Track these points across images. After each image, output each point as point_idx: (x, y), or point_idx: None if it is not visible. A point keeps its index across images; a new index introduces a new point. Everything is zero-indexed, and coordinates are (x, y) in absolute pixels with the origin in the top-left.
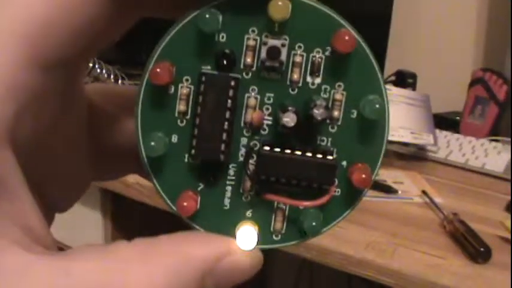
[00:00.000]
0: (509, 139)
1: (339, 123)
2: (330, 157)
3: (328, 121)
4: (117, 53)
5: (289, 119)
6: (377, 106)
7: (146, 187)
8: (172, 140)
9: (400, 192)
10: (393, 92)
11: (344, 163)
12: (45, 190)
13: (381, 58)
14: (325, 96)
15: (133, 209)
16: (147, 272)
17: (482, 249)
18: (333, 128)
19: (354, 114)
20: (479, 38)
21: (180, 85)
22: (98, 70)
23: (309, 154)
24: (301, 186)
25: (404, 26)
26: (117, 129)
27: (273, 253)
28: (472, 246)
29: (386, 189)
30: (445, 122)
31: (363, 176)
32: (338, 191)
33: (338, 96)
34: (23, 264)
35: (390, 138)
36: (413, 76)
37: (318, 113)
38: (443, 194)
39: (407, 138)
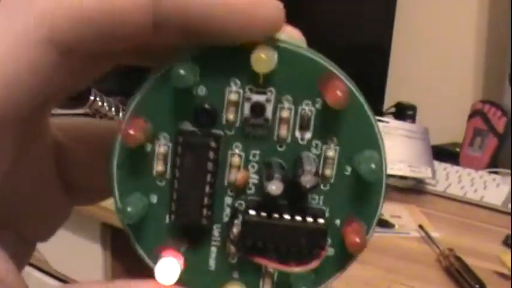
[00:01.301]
0: (508, 171)
1: (332, 181)
2: (321, 220)
3: (319, 179)
4: (119, 84)
5: (274, 188)
6: (372, 166)
7: None
8: (151, 200)
9: (397, 226)
10: (392, 125)
11: (337, 222)
12: (21, 225)
13: (380, 90)
14: (316, 152)
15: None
16: None
17: (477, 286)
18: (325, 186)
19: (348, 171)
20: (478, 70)
21: (157, 143)
22: (100, 103)
23: (299, 218)
24: (291, 252)
25: (404, 58)
26: (86, 167)
27: None
28: (467, 282)
29: (383, 224)
30: (444, 153)
31: (357, 240)
32: (331, 251)
33: (330, 153)
34: None
35: (388, 172)
36: (413, 108)
37: (305, 180)
38: (440, 228)
39: (405, 171)
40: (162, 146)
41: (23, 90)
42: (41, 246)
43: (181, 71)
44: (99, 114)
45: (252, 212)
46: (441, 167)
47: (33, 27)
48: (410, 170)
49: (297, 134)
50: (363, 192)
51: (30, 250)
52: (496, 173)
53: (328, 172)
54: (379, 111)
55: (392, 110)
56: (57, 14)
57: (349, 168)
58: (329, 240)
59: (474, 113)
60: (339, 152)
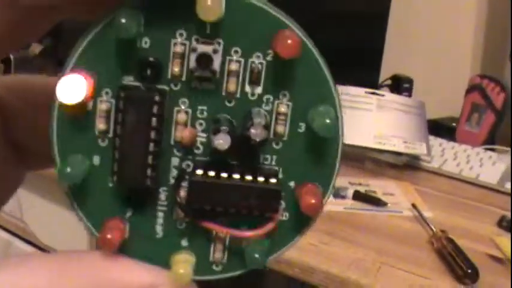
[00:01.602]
0: (505, 148)
1: (285, 138)
2: (273, 180)
3: (271, 137)
4: None
5: (221, 141)
6: (327, 121)
7: None
8: (94, 161)
9: (389, 205)
10: (387, 98)
11: (291, 184)
12: None
13: (376, 62)
14: (267, 108)
15: None
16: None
17: (469, 270)
18: (277, 144)
19: (302, 128)
20: (478, 43)
21: (98, 100)
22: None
23: (249, 178)
24: (241, 214)
25: (401, 30)
26: (30, 125)
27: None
28: (459, 266)
29: (375, 201)
30: (441, 128)
31: (312, 201)
32: (286, 215)
33: (282, 109)
34: None
35: (383, 147)
36: (410, 81)
37: (255, 133)
38: (434, 207)
39: (399, 147)
40: (104, 103)
41: None
42: (28, 220)
43: (123, 20)
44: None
45: (198, 172)
46: (437, 142)
47: None
48: (405, 146)
49: (247, 88)
50: (319, 151)
51: None
52: (492, 150)
53: (280, 129)
54: (374, 84)
55: (388, 82)
56: None
57: (303, 125)
58: (283, 204)
59: (472, 88)
60: (292, 108)
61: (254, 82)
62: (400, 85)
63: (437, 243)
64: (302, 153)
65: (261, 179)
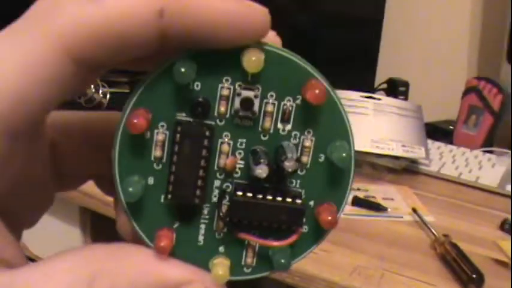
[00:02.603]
0: (504, 150)
1: (308, 166)
2: (298, 201)
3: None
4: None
5: (261, 171)
6: (343, 154)
7: None
8: (149, 182)
9: (389, 210)
10: (384, 102)
11: (311, 203)
12: (13, 216)
13: (371, 65)
14: (294, 142)
15: (112, 227)
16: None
17: (474, 275)
18: (301, 171)
19: (322, 159)
20: (474, 45)
21: (155, 131)
22: (93, 90)
23: (279, 198)
24: (272, 228)
25: (397, 33)
26: (74, 158)
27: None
28: (463, 272)
29: (375, 206)
30: (438, 131)
31: (329, 218)
32: (306, 228)
33: (307, 143)
34: None
35: (380, 151)
36: (406, 84)
37: (288, 165)
38: (434, 211)
39: (398, 151)
40: (161, 134)
41: (37, 102)
42: None
43: (183, 69)
44: (93, 102)
45: (239, 193)
46: (434, 145)
47: (51, 43)
48: (404, 150)
49: (279, 125)
50: (334, 178)
51: (18, 237)
52: (490, 152)
53: (304, 159)
54: (370, 87)
55: (384, 86)
56: (72, 31)
57: (322, 156)
58: (304, 221)
59: (469, 90)
60: (314, 142)
61: (285, 120)
62: (396, 89)
63: (440, 248)
64: (321, 178)
65: (288, 199)
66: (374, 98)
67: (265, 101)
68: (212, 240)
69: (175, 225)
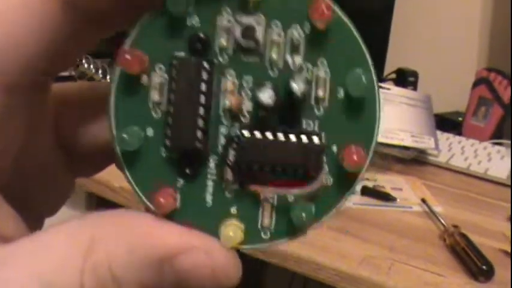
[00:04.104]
0: None
1: (325, 104)
2: (315, 138)
3: (312, 102)
4: (106, 46)
5: (266, 96)
6: (363, 81)
7: (130, 192)
8: (148, 133)
9: (398, 200)
10: (393, 92)
11: (334, 148)
12: (30, 202)
13: (381, 55)
14: (307, 76)
15: None
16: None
17: (484, 266)
18: (319, 110)
19: (341, 93)
20: (484, 35)
21: (153, 74)
22: (86, 65)
23: (293, 138)
24: (287, 174)
25: (406, 22)
26: (85, 131)
27: (263, 267)
28: (473, 263)
29: (384, 196)
30: (446, 122)
31: (354, 157)
32: (330, 180)
33: (321, 74)
34: None
35: (390, 141)
36: (415, 74)
37: (296, 87)
38: (443, 202)
39: (407, 141)
40: (158, 77)
41: (32, 49)
42: None
43: None
44: (85, 77)
45: (245, 133)
46: (443, 137)
47: None
48: (413, 140)
49: (288, 58)
50: (358, 114)
51: (39, 225)
52: (500, 144)
53: (321, 93)
54: (379, 77)
55: (393, 76)
56: None
57: (341, 90)
58: (326, 168)
59: (479, 81)
60: (330, 74)
61: (294, 51)
62: (405, 79)
63: (449, 239)
64: (342, 117)
65: (304, 138)
66: (383, 88)
67: (269, 30)
68: (222, 200)
69: (179, 184)
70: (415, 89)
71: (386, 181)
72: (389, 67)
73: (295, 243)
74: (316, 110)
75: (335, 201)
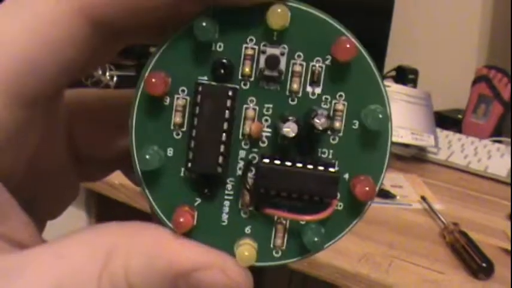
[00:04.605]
0: None
1: (341, 134)
2: (331, 169)
3: (329, 132)
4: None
5: (289, 129)
6: (380, 116)
7: (131, 189)
8: (168, 153)
9: (398, 197)
10: (393, 89)
11: (346, 176)
12: (36, 206)
13: (381, 52)
14: (325, 106)
15: (117, 210)
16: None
17: (484, 264)
18: (334, 139)
19: (356, 125)
20: (484, 33)
21: (175, 96)
22: (100, 72)
23: (310, 166)
24: (302, 200)
25: (406, 20)
26: (97, 138)
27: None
28: (473, 260)
29: (384, 194)
30: (446, 120)
31: (366, 188)
32: (340, 205)
33: (339, 107)
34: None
35: None
36: (415, 72)
37: (319, 122)
38: (443, 200)
39: (407, 138)
40: (181, 99)
41: (49, 65)
42: None
43: (204, 23)
44: (100, 84)
45: (265, 160)
46: (443, 134)
47: (64, 2)
48: (413, 138)
49: (308, 88)
50: (370, 146)
51: (41, 228)
52: (499, 141)
53: (337, 124)
54: None
55: (393, 73)
56: None
57: (356, 122)
58: (338, 194)
59: (479, 79)
60: (347, 107)
61: (314, 83)
62: (405, 76)
63: (449, 237)
64: (356, 147)
65: (320, 167)
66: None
67: (292, 61)
68: (237, 220)
69: (197, 203)
70: (415, 86)
71: (386, 178)
72: (389, 64)
73: None
74: (331, 140)
75: (345, 225)
